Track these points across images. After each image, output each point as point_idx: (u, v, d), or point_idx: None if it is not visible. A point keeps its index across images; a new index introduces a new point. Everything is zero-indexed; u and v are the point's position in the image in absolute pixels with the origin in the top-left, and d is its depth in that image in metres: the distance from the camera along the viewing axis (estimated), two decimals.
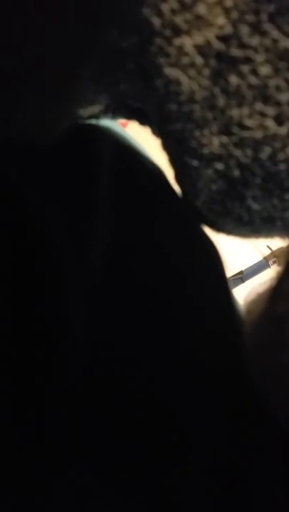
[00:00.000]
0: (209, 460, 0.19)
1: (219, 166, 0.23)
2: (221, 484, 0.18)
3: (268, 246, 1.17)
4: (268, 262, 1.12)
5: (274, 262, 1.10)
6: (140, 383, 0.19)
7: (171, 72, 0.21)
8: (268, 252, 1.14)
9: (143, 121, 0.29)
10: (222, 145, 0.22)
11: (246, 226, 0.25)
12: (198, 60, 0.20)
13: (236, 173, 0.23)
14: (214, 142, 0.22)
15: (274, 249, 1.11)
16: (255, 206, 0.23)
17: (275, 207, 0.23)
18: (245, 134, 0.21)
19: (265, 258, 1.12)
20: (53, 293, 0.18)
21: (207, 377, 0.20)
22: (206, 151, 0.23)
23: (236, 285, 1.03)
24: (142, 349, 0.19)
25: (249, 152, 0.22)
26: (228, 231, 0.26)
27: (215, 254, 0.25)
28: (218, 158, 0.22)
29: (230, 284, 0.27)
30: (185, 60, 0.21)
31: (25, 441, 0.17)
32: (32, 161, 0.20)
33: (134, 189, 0.24)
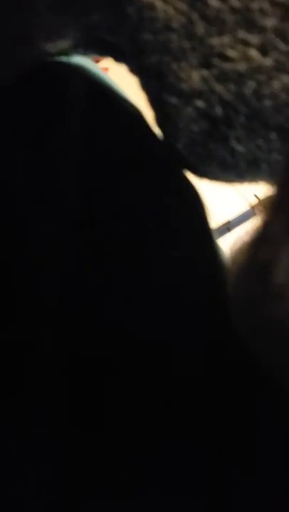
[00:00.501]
0: (186, 392, 0.18)
1: (200, 103, 0.21)
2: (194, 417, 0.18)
3: (255, 195, 1.15)
4: (255, 211, 1.10)
5: (262, 212, 1.08)
6: (121, 320, 0.18)
7: None
8: (255, 201, 1.13)
9: (118, 57, 0.26)
10: (202, 79, 0.20)
11: (230, 170, 0.23)
12: None
13: (218, 110, 0.21)
14: (194, 76, 0.20)
15: (261, 198, 1.09)
16: (239, 148, 0.22)
17: (260, 148, 0.22)
18: (227, 66, 0.19)
19: (252, 207, 1.11)
20: (21, 235, 0.16)
21: (188, 321, 0.19)
22: (185, 86, 0.21)
23: (223, 235, 1.02)
24: (124, 292, 0.18)
25: (232, 87, 0.20)
26: (212, 176, 0.25)
27: (197, 201, 0.24)
28: (199, 94, 0.21)
29: (215, 233, 0.26)
30: None
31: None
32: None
33: (109, 131, 0.22)
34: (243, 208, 1.14)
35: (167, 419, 0.19)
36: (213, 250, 0.22)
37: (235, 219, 1.14)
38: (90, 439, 0.18)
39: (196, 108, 0.21)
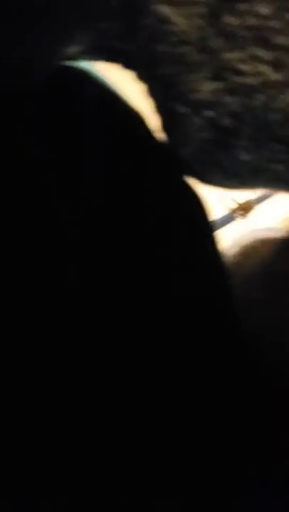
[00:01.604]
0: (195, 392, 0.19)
1: (209, 113, 0.22)
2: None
3: (233, 199, 1.17)
4: (233, 215, 1.12)
5: (241, 215, 1.11)
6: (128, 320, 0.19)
7: (162, 9, 0.20)
8: (233, 205, 1.15)
9: (126, 64, 0.27)
10: (214, 91, 0.21)
11: (234, 177, 0.24)
12: None
13: (227, 121, 0.22)
14: (205, 88, 0.21)
15: (240, 202, 1.12)
16: (244, 157, 0.23)
17: (265, 158, 0.23)
18: (239, 79, 0.20)
19: (231, 211, 1.13)
20: (50, 234, 0.17)
21: (193, 324, 0.20)
22: (196, 96, 0.22)
23: None
24: (133, 291, 0.19)
25: (242, 100, 0.21)
26: (216, 183, 0.26)
27: (201, 207, 0.25)
28: (209, 105, 0.22)
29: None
30: None
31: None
32: (23, 106, 0.19)
33: (121, 136, 0.23)
34: (222, 211, 1.15)
35: (173, 422, 0.19)
36: (216, 253, 0.23)
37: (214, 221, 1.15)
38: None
39: (205, 118, 0.22)
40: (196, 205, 0.25)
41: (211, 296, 0.21)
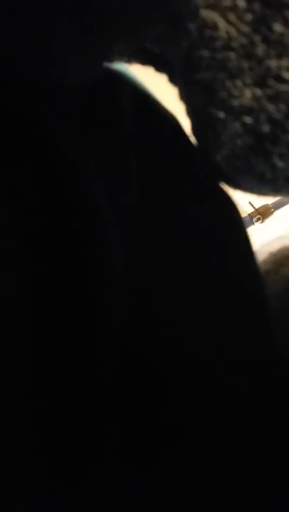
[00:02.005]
0: (223, 401, 0.19)
1: (248, 119, 0.22)
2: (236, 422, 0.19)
3: (250, 203, 1.17)
4: (252, 219, 1.12)
5: (258, 219, 1.10)
6: (168, 330, 0.19)
7: (208, 14, 0.20)
8: (250, 209, 1.15)
9: (160, 67, 0.27)
10: (254, 98, 0.21)
11: (268, 184, 0.24)
12: (241, 3, 0.19)
13: (266, 128, 0.22)
14: (246, 94, 0.21)
15: (257, 206, 1.12)
16: (280, 164, 0.23)
17: None
18: (282, 87, 0.20)
19: (249, 215, 1.13)
20: (92, 240, 0.17)
21: (229, 329, 0.20)
22: (235, 103, 0.22)
23: None
24: (170, 298, 0.19)
25: (283, 107, 0.21)
26: (247, 188, 0.26)
27: (235, 210, 0.25)
28: (249, 111, 0.21)
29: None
30: (226, 2, 0.19)
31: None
32: (61, 106, 0.19)
33: (157, 137, 0.23)
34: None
35: (209, 440, 0.19)
36: (253, 260, 0.23)
37: None
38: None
39: (244, 124, 0.22)
40: (231, 210, 0.25)
41: (246, 305, 0.21)
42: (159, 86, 0.29)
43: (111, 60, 0.28)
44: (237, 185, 0.27)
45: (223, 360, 0.19)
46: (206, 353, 0.19)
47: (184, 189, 0.23)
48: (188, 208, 0.23)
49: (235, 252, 0.23)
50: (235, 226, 0.24)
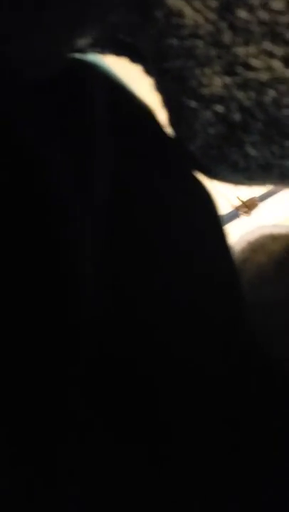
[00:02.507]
0: (205, 398, 0.19)
1: (219, 108, 0.22)
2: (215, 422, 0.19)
3: (237, 197, 1.18)
4: (238, 212, 1.12)
5: (245, 213, 1.11)
6: (139, 320, 0.19)
7: (174, 2, 0.20)
8: (237, 202, 1.15)
9: (134, 58, 0.27)
10: (224, 86, 0.21)
11: (242, 173, 0.24)
12: None
13: (237, 116, 0.22)
14: (216, 82, 0.21)
15: (244, 199, 1.12)
16: (253, 152, 0.23)
17: (273, 154, 0.23)
18: (250, 75, 0.20)
19: (236, 208, 1.13)
20: (61, 231, 0.17)
21: (204, 319, 0.20)
22: (206, 91, 0.22)
23: None
24: (143, 288, 0.19)
25: (252, 95, 0.21)
26: (222, 177, 0.26)
27: (210, 199, 0.25)
28: (219, 99, 0.21)
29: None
30: None
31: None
32: (30, 99, 0.18)
33: (129, 129, 0.23)
34: (226, 208, 1.16)
35: (187, 419, 0.19)
36: (228, 251, 0.23)
37: None
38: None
39: (215, 112, 0.22)
40: (207, 199, 0.25)
41: (219, 291, 0.21)
42: (136, 77, 0.29)
43: (84, 51, 0.28)
44: (212, 175, 0.27)
45: (197, 344, 0.19)
46: (180, 338, 0.19)
47: (159, 178, 0.23)
48: (163, 197, 0.23)
49: (209, 240, 0.23)
50: (210, 215, 0.24)
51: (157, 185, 0.23)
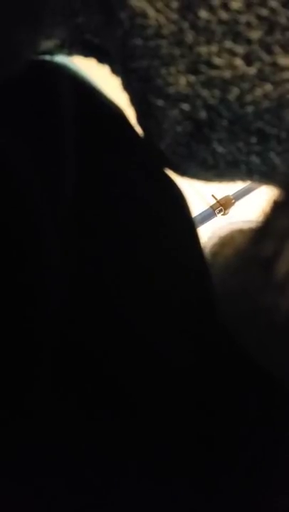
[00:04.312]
0: (172, 383, 0.19)
1: (185, 106, 0.22)
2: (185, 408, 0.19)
3: (212, 195, 1.19)
4: (214, 210, 1.14)
5: (220, 211, 1.12)
6: (112, 311, 0.19)
7: (137, 3, 0.20)
8: (212, 201, 1.16)
9: (102, 58, 0.27)
10: (189, 84, 0.21)
11: (210, 170, 0.25)
12: None
13: (203, 114, 0.22)
14: (181, 81, 0.21)
15: (219, 198, 1.13)
16: (220, 149, 0.23)
17: (240, 150, 0.23)
18: (214, 73, 0.21)
19: (211, 207, 1.14)
20: (26, 230, 0.17)
21: (173, 309, 0.20)
22: (172, 90, 0.22)
23: None
24: (111, 278, 0.19)
25: (217, 93, 0.21)
26: (192, 175, 0.26)
27: (180, 197, 0.25)
28: (185, 98, 0.22)
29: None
30: None
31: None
32: None
33: (97, 129, 0.23)
34: (202, 207, 1.17)
35: (155, 407, 0.20)
36: (197, 244, 0.24)
37: (194, 218, 1.16)
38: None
39: (181, 111, 0.23)
40: (177, 197, 0.26)
41: (187, 282, 0.21)
42: (106, 77, 0.30)
43: (53, 53, 0.28)
44: (182, 172, 0.27)
45: (162, 331, 0.20)
46: (146, 326, 0.20)
47: (128, 175, 0.24)
48: (133, 192, 0.23)
49: (178, 232, 0.23)
50: (181, 212, 0.25)
51: (126, 181, 0.23)
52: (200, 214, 1.17)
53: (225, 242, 0.22)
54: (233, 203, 1.09)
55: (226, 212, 1.09)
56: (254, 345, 0.17)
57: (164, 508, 0.20)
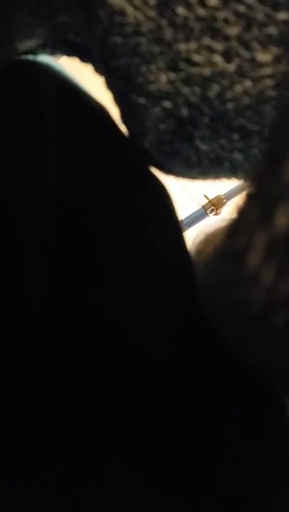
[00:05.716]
0: (155, 375, 0.19)
1: (167, 104, 0.22)
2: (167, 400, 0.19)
3: (205, 195, 1.19)
4: (206, 210, 1.14)
5: (212, 211, 1.12)
6: (97, 317, 0.19)
7: (115, 1, 0.20)
8: (204, 201, 1.16)
9: (84, 57, 0.27)
10: (170, 82, 0.21)
11: (194, 167, 0.25)
12: None
13: (184, 111, 0.22)
14: (162, 79, 0.21)
15: (211, 198, 1.13)
16: (203, 147, 0.23)
17: (223, 147, 0.23)
18: (193, 70, 0.21)
19: (203, 207, 1.14)
20: (6, 237, 0.17)
21: (158, 306, 0.20)
22: (153, 88, 0.22)
23: None
24: (95, 275, 0.19)
25: (197, 90, 0.21)
26: (177, 173, 0.26)
27: (165, 195, 0.25)
28: (166, 95, 0.22)
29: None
30: None
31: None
32: None
33: (79, 129, 0.23)
34: (194, 207, 1.17)
35: (138, 397, 0.20)
36: (180, 241, 0.24)
37: (186, 218, 1.16)
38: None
39: (163, 108, 0.23)
40: (161, 195, 0.26)
41: (173, 280, 0.21)
42: (90, 77, 0.30)
43: (35, 52, 0.28)
44: (167, 170, 0.27)
45: (144, 323, 0.20)
46: (128, 319, 0.20)
47: (112, 175, 0.24)
48: (117, 191, 0.23)
49: (162, 229, 0.23)
50: (163, 207, 0.25)
51: (109, 180, 0.23)
52: (192, 214, 1.17)
53: (208, 239, 0.22)
54: (225, 202, 1.09)
55: (218, 212, 1.10)
56: (234, 338, 0.17)
57: (156, 504, 0.19)
